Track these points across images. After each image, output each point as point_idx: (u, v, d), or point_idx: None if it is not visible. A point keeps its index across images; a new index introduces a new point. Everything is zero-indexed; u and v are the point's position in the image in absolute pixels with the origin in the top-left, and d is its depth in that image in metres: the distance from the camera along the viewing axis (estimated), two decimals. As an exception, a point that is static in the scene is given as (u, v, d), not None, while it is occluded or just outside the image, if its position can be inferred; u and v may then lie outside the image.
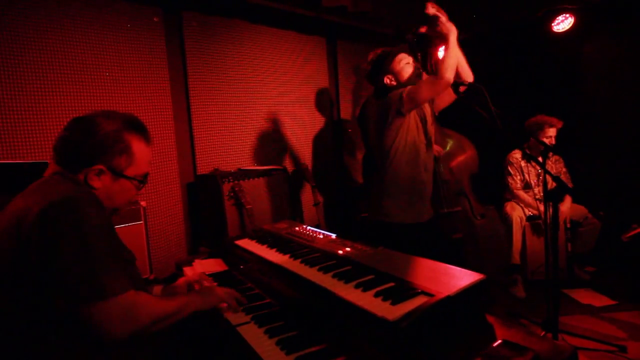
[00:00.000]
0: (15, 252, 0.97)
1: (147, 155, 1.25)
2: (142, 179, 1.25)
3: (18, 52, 2.19)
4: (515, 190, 3.43)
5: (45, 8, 2.26)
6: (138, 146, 1.20)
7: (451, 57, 1.98)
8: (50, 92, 2.30)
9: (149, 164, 1.28)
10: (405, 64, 2.23)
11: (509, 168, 3.46)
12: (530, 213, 3.36)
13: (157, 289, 1.52)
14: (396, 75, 2.24)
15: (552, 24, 3.55)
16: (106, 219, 1.08)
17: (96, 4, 2.46)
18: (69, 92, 2.37)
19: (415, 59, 2.30)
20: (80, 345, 1.00)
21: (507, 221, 3.29)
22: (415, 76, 2.23)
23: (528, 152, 3.35)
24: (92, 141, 1.13)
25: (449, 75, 1.98)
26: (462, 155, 3.33)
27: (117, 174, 1.17)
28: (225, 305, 1.38)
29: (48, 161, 1.22)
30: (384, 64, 2.27)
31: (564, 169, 3.43)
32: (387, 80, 2.25)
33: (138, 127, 1.22)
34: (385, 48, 2.34)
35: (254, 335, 1.25)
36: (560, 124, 3.25)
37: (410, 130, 2.18)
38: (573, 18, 3.45)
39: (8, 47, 2.16)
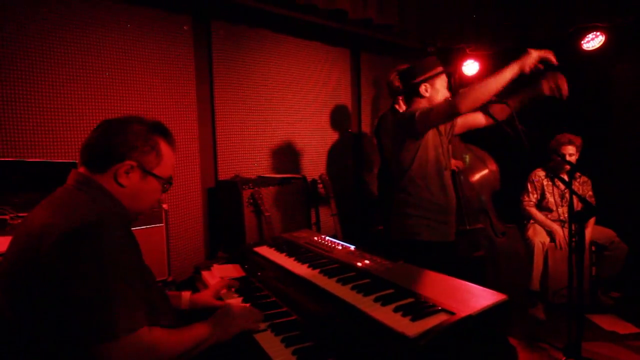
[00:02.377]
0: (33, 268, 0.96)
1: (172, 159, 1.27)
2: (169, 180, 1.27)
3: (55, 55, 2.28)
4: (527, 208, 3.36)
5: (77, 12, 2.35)
6: (165, 148, 1.24)
7: (483, 90, 1.87)
8: (81, 93, 2.38)
9: (173, 168, 1.30)
10: (444, 79, 2.18)
11: (528, 185, 3.40)
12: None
13: (186, 295, 1.51)
14: (432, 86, 2.17)
15: (582, 42, 3.48)
16: (129, 240, 1.07)
17: (130, 12, 2.55)
18: (99, 94, 2.44)
19: (447, 74, 2.24)
20: None
21: (528, 246, 3.21)
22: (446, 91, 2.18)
23: (552, 165, 3.30)
24: (123, 138, 1.15)
25: (465, 108, 1.88)
26: (484, 171, 3.28)
27: (147, 171, 1.19)
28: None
29: (77, 162, 1.24)
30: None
31: (590, 192, 3.32)
32: (422, 88, 2.18)
33: (164, 132, 1.26)
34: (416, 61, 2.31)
35: (270, 343, 1.25)
36: (578, 141, 3.16)
37: (429, 150, 2.11)
38: (604, 36, 3.38)
39: (46, 49, 2.25)
